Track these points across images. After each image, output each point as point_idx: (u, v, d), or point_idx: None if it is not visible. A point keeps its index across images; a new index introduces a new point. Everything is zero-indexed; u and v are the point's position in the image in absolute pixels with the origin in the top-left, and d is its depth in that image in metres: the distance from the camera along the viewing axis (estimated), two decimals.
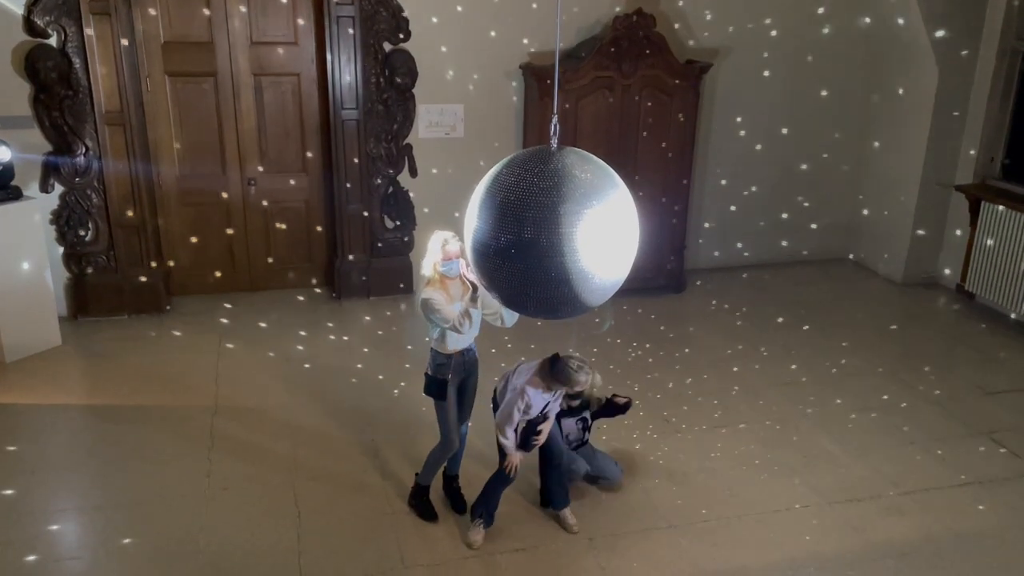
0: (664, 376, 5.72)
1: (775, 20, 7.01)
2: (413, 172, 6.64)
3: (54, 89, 5.73)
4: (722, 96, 7.13)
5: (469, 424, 4.27)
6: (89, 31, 5.65)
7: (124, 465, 4.61)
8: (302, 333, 6.20)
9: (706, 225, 7.51)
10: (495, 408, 4.10)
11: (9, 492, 4.34)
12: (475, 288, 3.66)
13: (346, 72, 6.22)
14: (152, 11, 6.01)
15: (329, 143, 6.49)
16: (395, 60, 6.29)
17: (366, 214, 6.61)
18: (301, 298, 6.83)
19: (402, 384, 5.48)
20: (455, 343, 3.92)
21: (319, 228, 6.84)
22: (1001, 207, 6.49)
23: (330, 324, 6.39)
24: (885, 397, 5.51)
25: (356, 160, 6.44)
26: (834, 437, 5.04)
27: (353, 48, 6.16)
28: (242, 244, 6.74)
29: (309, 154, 6.66)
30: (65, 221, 6.05)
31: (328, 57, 6.20)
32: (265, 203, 6.67)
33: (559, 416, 4.20)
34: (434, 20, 6.31)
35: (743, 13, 6.94)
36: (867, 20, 7.19)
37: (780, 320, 6.66)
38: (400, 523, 4.20)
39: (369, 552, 4.00)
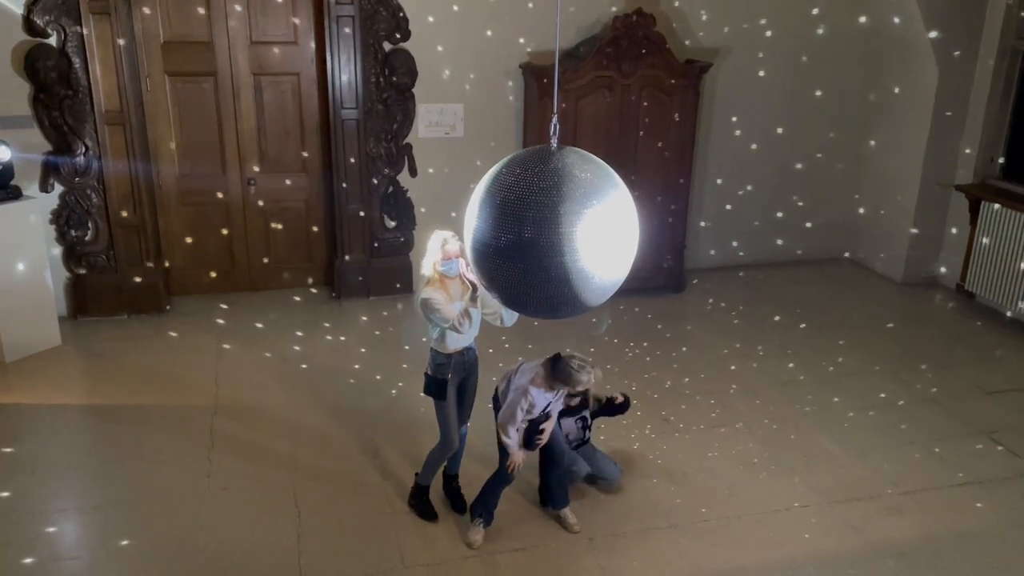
0: (662, 375, 5.72)
1: (775, 20, 7.01)
2: (413, 172, 6.64)
3: (54, 89, 5.73)
4: (721, 96, 7.13)
5: (468, 424, 4.27)
6: (88, 31, 5.65)
7: (124, 465, 4.62)
8: (301, 333, 6.20)
9: (703, 224, 7.50)
10: (496, 408, 4.10)
11: (9, 492, 4.34)
12: (475, 288, 3.66)
13: (345, 72, 6.22)
14: (150, 11, 5.99)
15: (328, 143, 6.49)
16: (395, 60, 6.29)
17: (365, 214, 6.61)
18: (300, 298, 6.82)
19: (400, 384, 5.48)
20: (455, 343, 3.92)
21: (318, 228, 6.84)
22: (1001, 207, 6.50)
23: (329, 324, 6.39)
24: (883, 396, 5.52)
25: (355, 160, 6.43)
26: (833, 436, 5.05)
27: (353, 48, 6.16)
28: (242, 244, 6.74)
29: (308, 154, 6.66)
30: (65, 221, 6.05)
31: (327, 57, 6.20)
32: (264, 203, 6.67)
33: (559, 415, 4.20)
34: (430, 19, 6.30)
35: (742, 13, 6.94)
36: (864, 20, 7.18)
37: (777, 319, 6.67)
38: (400, 523, 4.21)
39: (369, 552, 4.00)
